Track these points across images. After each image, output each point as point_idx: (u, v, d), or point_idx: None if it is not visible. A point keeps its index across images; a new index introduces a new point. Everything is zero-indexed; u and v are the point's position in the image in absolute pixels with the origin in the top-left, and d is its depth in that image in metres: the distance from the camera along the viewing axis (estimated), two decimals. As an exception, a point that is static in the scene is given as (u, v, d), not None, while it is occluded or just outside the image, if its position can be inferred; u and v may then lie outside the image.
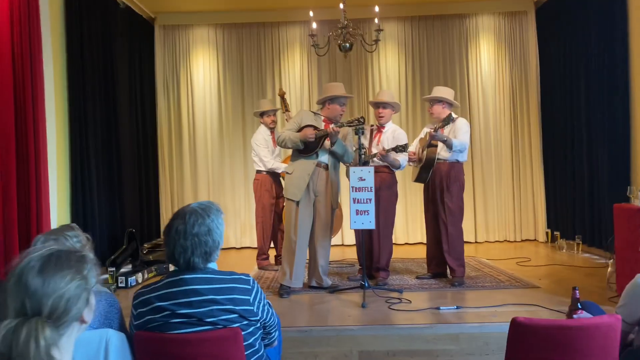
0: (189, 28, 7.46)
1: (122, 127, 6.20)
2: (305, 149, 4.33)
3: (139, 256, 5.70)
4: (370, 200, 4.18)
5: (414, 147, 4.89)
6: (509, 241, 7.37)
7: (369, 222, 4.18)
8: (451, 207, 4.61)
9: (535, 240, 7.33)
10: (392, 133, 4.77)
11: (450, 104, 4.73)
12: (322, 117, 4.47)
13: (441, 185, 4.63)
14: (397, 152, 4.43)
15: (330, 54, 7.24)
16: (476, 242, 7.32)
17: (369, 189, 4.18)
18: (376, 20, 5.26)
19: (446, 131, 4.54)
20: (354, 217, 4.18)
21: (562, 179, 6.80)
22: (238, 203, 7.43)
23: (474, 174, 7.34)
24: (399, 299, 4.13)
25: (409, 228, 7.41)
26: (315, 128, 4.32)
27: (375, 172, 4.60)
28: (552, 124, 7.05)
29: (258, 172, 5.70)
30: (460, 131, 4.57)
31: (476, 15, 7.40)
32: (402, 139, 4.70)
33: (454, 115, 4.70)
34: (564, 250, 6.31)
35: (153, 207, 7.16)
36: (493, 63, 7.40)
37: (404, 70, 7.45)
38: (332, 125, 4.26)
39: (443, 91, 4.75)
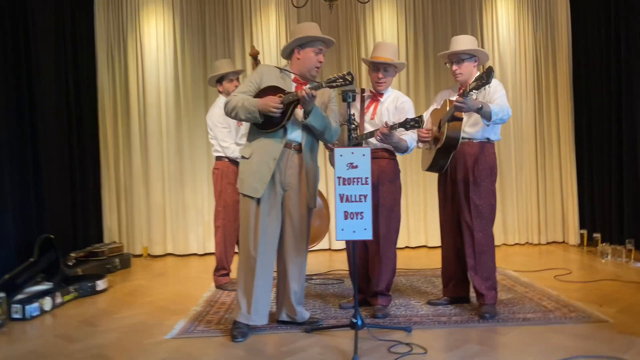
0: (137, -19, 5.99)
1: (42, 108, 4.71)
2: (268, 123, 2.93)
3: (59, 271, 4.29)
4: (365, 197, 2.79)
5: (424, 119, 3.52)
6: (531, 244, 6.04)
7: (363, 231, 2.79)
8: (480, 206, 3.24)
9: (564, 242, 6.00)
10: (394, 102, 3.38)
11: (477, 60, 3.35)
12: (292, 76, 3.06)
13: (466, 174, 3.26)
14: (407, 128, 3.03)
15: (313, 5, 5.86)
16: (492, 245, 5.96)
17: (364, 181, 2.79)
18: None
19: (479, 98, 3.16)
20: (342, 222, 2.78)
21: (601, 168, 5.46)
22: (201, 199, 6.02)
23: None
24: (407, 344, 2.76)
25: (410, 228, 6.04)
26: (281, 91, 2.91)
27: (372, 158, 3.24)
28: (588, 100, 5.70)
29: (218, 158, 4.30)
30: (496, 94, 3.20)
31: (493, -34, 6.01)
32: (410, 111, 3.32)
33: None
34: (609, 258, 4.97)
35: (92, 205, 5.71)
36: (512, 25, 6.03)
37: (404, 31, 6.04)
38: (306, 87, 2.85)
39: (469, 42, 3.35)
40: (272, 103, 2.84)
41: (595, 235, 5.41)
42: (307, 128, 2.96)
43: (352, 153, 2.79)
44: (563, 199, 5.99)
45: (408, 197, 5.97)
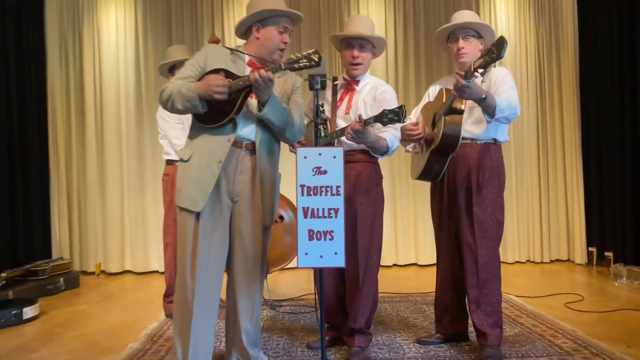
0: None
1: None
2: (213, 115, 2.27)
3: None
4: (336, 212, 2.14)
5: (413, 116, 2.89)
6: (533, 262, 5.42)
7: (333, 256, 2.14)
8: (484, 222, 2.60)
9: (569, 261, 5.39)
10: (373, 91, 2.73)
11: (483, 42, 2.73)
12: (247, 59, 2.40)
13: (467, 183, 2.63)
14: (384, 123, 2.35)
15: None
16: (489, 263, 5.33)
17: (336, 190, 2.14)
18: None
19: (483, 87, 2.52)
20: (305, 244, 2.13)
21: (613, 178, 4.86)
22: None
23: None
24: (391, 405, 2.11)
25: (399, 244, 5.40)
26: (231, 76, 2.26)
27: (346, 162, 2.61)
28: (596, 103, 5.11)
29: (168, 162, 3.65)
30: (503, 85, 2.56)
31: (492, -46, 5.43)
32: (391, 102, 2.67)
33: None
34: (624, 281, 4.36)
35: (38, 216, 5.01)
36: (513, 20, 5.45)
37: (393, 26, 5.44)
38: (261, 70, 2.18)
39: (476, 18, 2.72)
40: (216, 83, 2.17)
41: (607, 254, 4.80)
42: (263, 123, 2.30)
43: (320, 154, 2.15)
44: (568, 211, 5.38)
45: (396, 208, 5.34)
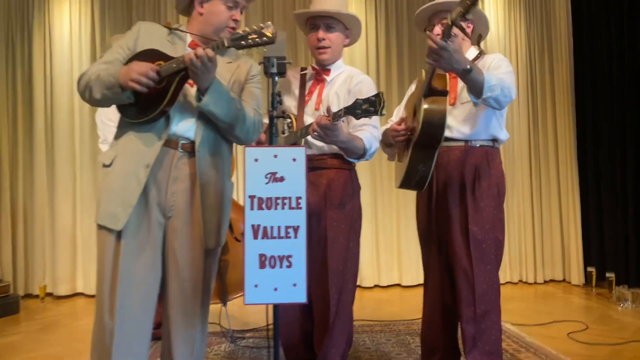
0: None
1: None
2: (140, 108, 1.77)
3: None
4: (296, 230, 1.65)
5: (395, 117, 2.43)
6: (526, 283, 4.98)
7: (291, 288, 1.64)
8: (483, 242, 2.12)
9: (565, 281, 4.96)
10: (347, 82, 2.24)
11: (472, 24, 2.29)
12: (189, 39, 1.90)
13: (461, 194, 2.17)
14: (357, 115, 1.83)
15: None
16: (479, 284, 4.87)
17: (296, 203, 1.66)
18: None
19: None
20: (255, 273, 1.63)
21: (612, 192, 4.47)
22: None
23: (473, 183, 4.93)
24: None
25: (381, 263, 4.92)
26: (164, 58, 1.76)
27: (315, 168, 2.13)
28: (593, 111, 4.75)
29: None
30: (498, 69, 2.10)
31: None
32: (370, 94, 2.10)
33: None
34: (629, 305, 3.93)
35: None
36: (502, 22, 5.07)
37: (374, 25, 5.02)
38: (200, 49, 1.67)
39: None
40: (138, 69, 1.68)
41: (608, 275, 4.37)
42: (207, 118, 1.81)
43: (276, 156, 1.66)
44: (563, 228, 4.96)
45: (377, 222, 4.87)
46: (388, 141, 2.27)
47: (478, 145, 2.17)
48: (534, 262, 4.96)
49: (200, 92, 1.73)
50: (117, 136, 1.85)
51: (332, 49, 2.22)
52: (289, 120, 2.18)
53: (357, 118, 1.83)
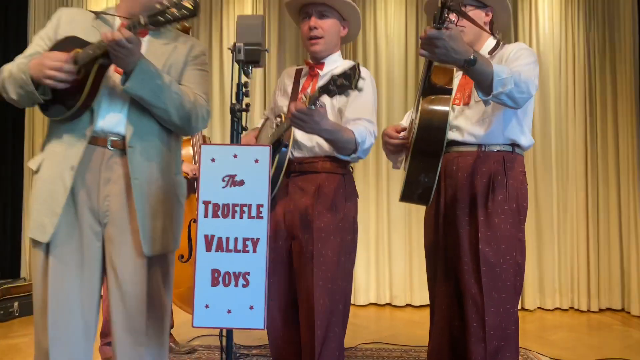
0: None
1: None
2: (60, 104, 1.57)
3: None
4: (256, 243, 1.41)
5: (404, 121, 2.13)
6: (577, 310, 4.46)
7: (247, 311, 1.40)
8: (495, 264, 1.78)
9: (623, 311, 4.41)
10: None
11: (490, 12, 1.97)
12: (118, 22, 1.67)
13: (471, 208, 1.84)
14: (331, 92, 1.51)
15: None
16: (523, 309, 4.43)
17: (257, 212, 1.42)
18: None
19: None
20: (204, 292, 1.40)
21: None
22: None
23: (521, 197, 4.49)
24: None
25: (414, 280, 4.57)
26: (84, 45, 1.55)
27: (304, 172, 1.87)
28: (660, 118, 4.20)
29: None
30: (518, 61, 1.79)
31: (533, -56, 4.64)
32: (367, 89, 1.88)
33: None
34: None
35: (4, 231, 4.50)
36: (557, 22, 4.61)
37: (414, 26, 4.70)
38: (118, 30, 1.46)
39: None
40: (51, 62, 1.49)
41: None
42: (138, 108, 1.60)
43: (235, 156, 1.43)
44: (623, 250, 4.42)
45: (411, 236, 4.54)
46: (384, 145, 1.99)
47: (495, 150, 1.84)
48: (587, 288, 4.45)
49: (126, 75, 1.53)
50: (46, 139, 1.67)
51: (325, 39, 1.97)
52: (278, 119, 1.94)
53: (331, 95, 1.53)
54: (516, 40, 4.59)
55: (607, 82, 4.53)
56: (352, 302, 4.32)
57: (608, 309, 4.45)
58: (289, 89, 2.06)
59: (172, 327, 3.14)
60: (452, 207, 1.87)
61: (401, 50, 4.67)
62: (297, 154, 1.95)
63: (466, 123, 1.88)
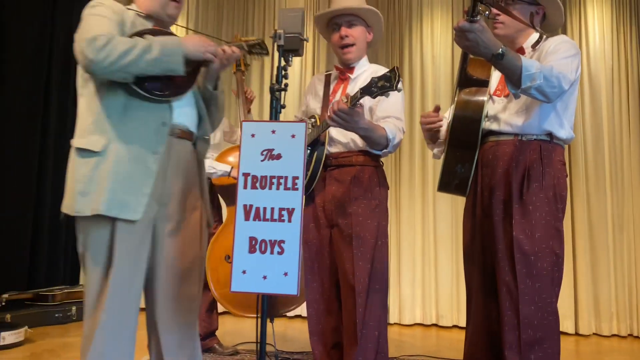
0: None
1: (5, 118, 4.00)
2: (164, 85, 1.68)
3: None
4: (291, 213, 1.49)
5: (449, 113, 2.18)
6: (637, 337, 4.22)
7: (282, 278, 1.46)
8: (531, 254, 1.77)
9: (690, 339, 4.14)
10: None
11: (540, 11, 2.00)
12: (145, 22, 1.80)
13: (506, 195, 1.85)
14: (373, 93, 1.67)
15: None
16: (577, 334, 4.24)
17: (292, 183, 1.50)
18: None
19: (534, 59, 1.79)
20: (242, 258, 1.48)
21: None
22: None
23: (574, 218, 4.37)
24: None
25: (461, 299, 4.47)
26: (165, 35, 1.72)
27: (340, 165, 1.96)
28: None
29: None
30: (555, 55, 1.81)
31: (581, -38, 4.64)
32: (396, 99, 2.01)
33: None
34: None
35: (67, 238, 4.77)
36: (609, 36, 4.53)
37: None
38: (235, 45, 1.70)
39: None
40: (207, 45, 1.68)
41: None
42: (202, 107, 1.81)
43: (273, 132, 1.53)
44: (686, 274, 4.19)
45: (458, 251, 4.46)
46: (425, 134, 2.06)
47: (532, 139, 1.85)
48: (647, 312, 4.22)
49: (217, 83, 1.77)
50: (101, 120, 1.68)
51: (356, 46, 2.13)
52: (313, 119, 2.10)
53: (374, 96, 1.67)
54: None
55: (663, 98, 4.40)
56: (397, 321, 4.40)
57: (672, 337, 4.19)
58: (321, 93, 2.21)
59: (216, 328, 3.23)
60: (489, 196, 1.88)
61: (447, 69, 4.71)
62: (333, 149, 2.09)
63: (505, 114, 1.91)
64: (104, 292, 1.62)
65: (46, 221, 4.48)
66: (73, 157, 1.68)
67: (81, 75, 1.73)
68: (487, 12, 1.54)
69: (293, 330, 4.12)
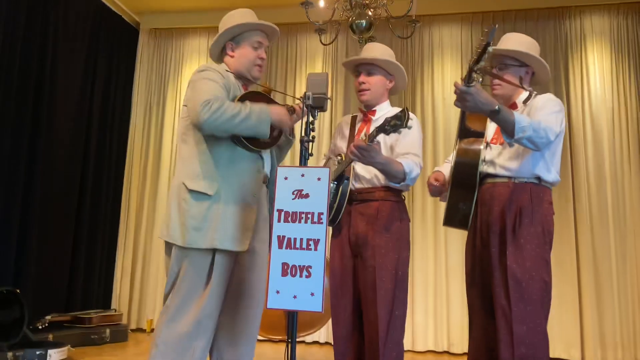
0: (183, 34, 5.73)
1: (51, 149, 4.42)
2: (259, 142, 2.12)
3: (21, 332, 3.61)
4: (317, 243, 1.80)
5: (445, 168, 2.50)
6: (643, 366, 4.40)
7: (309, 297, 1.76)
8: (522, 281, 2.06)
9: (691, 368, 4.30)
10: None
11: (530, 71, 2.33)
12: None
13: (501, 230, 2.14)
14: (387, 131, 2.00)
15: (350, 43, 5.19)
16: (584, 361, 4.43)
17: (318, 218, 1.81)
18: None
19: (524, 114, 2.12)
20: (278, 280, 1.79)
21: None
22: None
23: (579, 250, 4.61)
24: None
25: (437, 325, 4.68)
26: (266, 100, 2.19)
27: (364, 200, 2.27)
28: None
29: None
30: (542, 110, 2.13)
31: (582, 11, 4.99)
32: (413, 130, 2.28)
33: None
34: None
35: (101, 267, 5.11)
36: (609, 81, 4.85)
37: (468, 86, 5.10)
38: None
39: (525, 44, 2.29)
40: (287, 115, 2.13)
41: None
42: (272, 157, 2.28)
43: (303, 175, 1.85)
44: (688, 305, 4.37)
45: (449, 284, 4.69)
46: (430, 189, 2.38)
47: (524, 182, 2.16)
48: (651, 342, 4.39)
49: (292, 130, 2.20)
50: (214, 172, 2.07)
51: (371, 91, 2.40)
52: (339, 157, 2.37)
53: (387, 134, 1.99)
54: (567, 94, 4.85)
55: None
56: (410, 347, 4.61)
57: (676, 366, 4.35)
58: (347, 133, 2.50)
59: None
60: (486, 230, 2.18)
61: (457, 110, 5.00)
62: (357, 185, 2.34)
63: (500, 159, 2.21)
64: (202, 300, 2.02)
65: (84, 248, 4.84)
66: (185, 196, 2.05)
67: (185, 126, 2.12)
68: (480, 79, 1.87)
69: (311, 355, 4.36)
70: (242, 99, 2.09)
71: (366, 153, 2.07)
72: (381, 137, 2.28)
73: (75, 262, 4.74)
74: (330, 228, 2.39)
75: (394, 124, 1.95)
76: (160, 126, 5.61)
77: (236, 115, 1.98)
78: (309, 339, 4.79)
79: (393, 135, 2.13)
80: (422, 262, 4.80)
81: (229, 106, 1.99)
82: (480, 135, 2.09)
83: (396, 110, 2.40)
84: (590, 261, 4.56)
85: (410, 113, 2.22)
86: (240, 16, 2.21)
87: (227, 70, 2.20)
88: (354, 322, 2.33)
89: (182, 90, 5.58)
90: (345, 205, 2.32)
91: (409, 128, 2.00)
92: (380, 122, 2.37)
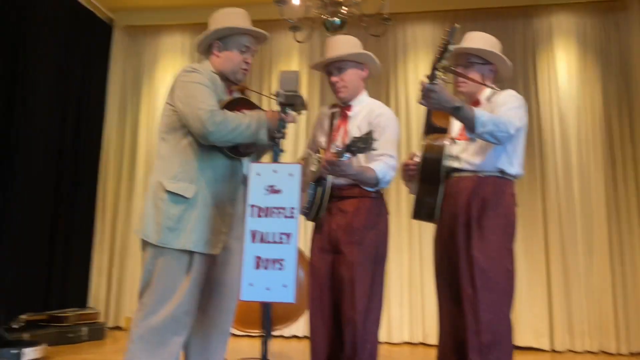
0: (158, 31, 5.71)
1: (27, 150, 4.39)
2: (242, 148, 2.19)
3: (-6, 332, 3.59)
4: (289, 237, 1.86)
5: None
6: (608, 353, 4.56)
7: (281, 289, 1.83)
8: (487, 270, 2.15)
9: (654, 354, 4.48)
10: (368, 116, 2.41)
11: (493, 70, 2.41)
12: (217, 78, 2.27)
13: (467, 223, 2.23)
14: (353, 152, 2.04)
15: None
16: (553, 350, 4.58)
17: (290, 213, 1.87)
18: None
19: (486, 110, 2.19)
20: (251, 273, 1.84)
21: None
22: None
23: (547, 243, 4.75)
24: None
25: (412, 317, 4.79)
26: (252, 107, 2.23)
27: (343, 197, 2.32)
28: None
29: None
30: (504, 106, 2.21)
31: (549, 11, 5.13)
32: (387, 128, 2.34)
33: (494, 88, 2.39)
34: None
35: (77, 266, 5.09)
36: (575, 79, 5.01)
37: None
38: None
39: (488, 42, 2.36)
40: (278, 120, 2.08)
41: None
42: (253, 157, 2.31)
43: (275, 172, 1.91)
44: (651, 294, 4.55)
45: (423, 276, 4.80)
46: (403, 176, 2.43)
47: (487, 176, 2.24)
48: (616, 330, 4.56)
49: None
50: (194, 174, 2.10)
51: (347, 87, 2.42)
52: (318, 154, 2.39)
53: (354, 154, 2.03)
54: (536, 92, 4.99)
55: (625, 134, 4.84)
56: (386, 340, 4.71)
57: (638, 353, 4.52)
58: (326, 127, 2.51)
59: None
60: (453, 222, 2.26)
61: (430, 107, 5.14)
62: (337, 182, 2.34)
63: (465, 154, 2.30)
64: (178, 297, 2.05)
65: (60, 247, 4.82)
66: (162, 196, 2.07)
67: (166, 124, 2.14)
68: (445, 77, 1.95)
69: (289, 349, 4.42)
70: (229, 105, 2.12)
71: (337, 168, 2.12)
72: (357, 133, 2.34)
73: (51, 260, 4.72)
74: (312, 223, 2.44)
75: (360, 147, 1.99)
76: (135, 123, 5.59)
77: (239, 126, 2.03)
78: (287, 333, 4.84)
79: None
80: (397, 255, 4.89)
81: (230, 118, 2.04)
82: (444, 131, 2.17)
83: (375, 105, 2.44)
84: (558, 253, 4.71)
85: (383, 108, 2.29)
86: (232, 18, 2.21)
87: (212, 72, 2.21)
88: (331, 315, 2.36)
89: (157, 88, 5.58)
90: (327, 202, 2.34)
91: (374, 150, 2.06)
92: (358, 118, 2.42)
